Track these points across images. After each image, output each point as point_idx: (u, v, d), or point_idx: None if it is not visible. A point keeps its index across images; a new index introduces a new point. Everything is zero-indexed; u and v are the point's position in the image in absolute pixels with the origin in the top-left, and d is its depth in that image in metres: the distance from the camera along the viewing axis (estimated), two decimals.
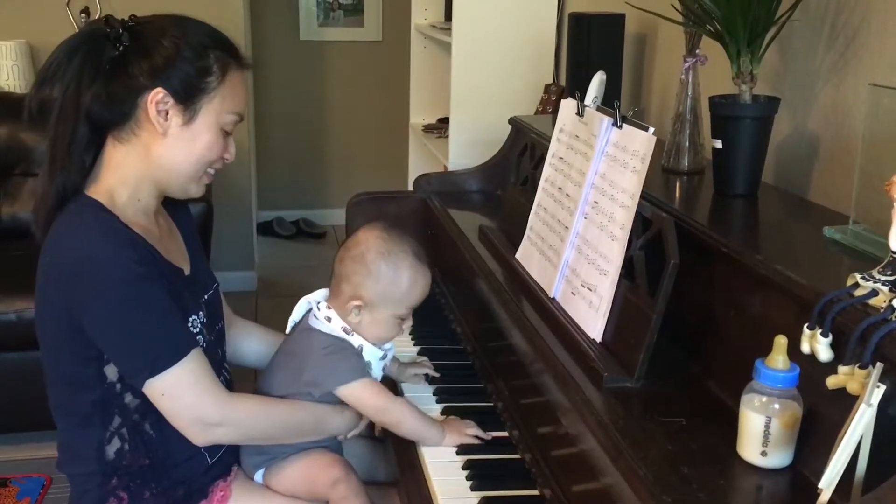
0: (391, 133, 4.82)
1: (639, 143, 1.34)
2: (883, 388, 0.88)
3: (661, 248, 1.25)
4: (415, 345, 1.87)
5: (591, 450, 1.16)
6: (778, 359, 1.01)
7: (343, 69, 5.04)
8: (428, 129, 3.40)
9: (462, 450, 1.44)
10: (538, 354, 1.39)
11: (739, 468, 1.04)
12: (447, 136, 3.00)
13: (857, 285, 1.02)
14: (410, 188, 2.41)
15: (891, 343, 0.92)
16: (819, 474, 0.95)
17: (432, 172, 2.39)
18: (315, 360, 1.46)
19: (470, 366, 1.76)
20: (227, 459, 1.53)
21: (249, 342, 1.70)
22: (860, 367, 0.94)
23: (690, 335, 1.32)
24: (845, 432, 0.90)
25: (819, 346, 1.01)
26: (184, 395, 1.35)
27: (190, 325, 1.40)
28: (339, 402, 1.50)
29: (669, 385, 1.25)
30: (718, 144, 1.47)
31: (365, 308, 1.47)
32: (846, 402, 0.96)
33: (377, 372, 1.53)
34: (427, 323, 1.95)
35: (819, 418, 1.03)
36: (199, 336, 1.41)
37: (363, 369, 1.47)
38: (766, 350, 1.03)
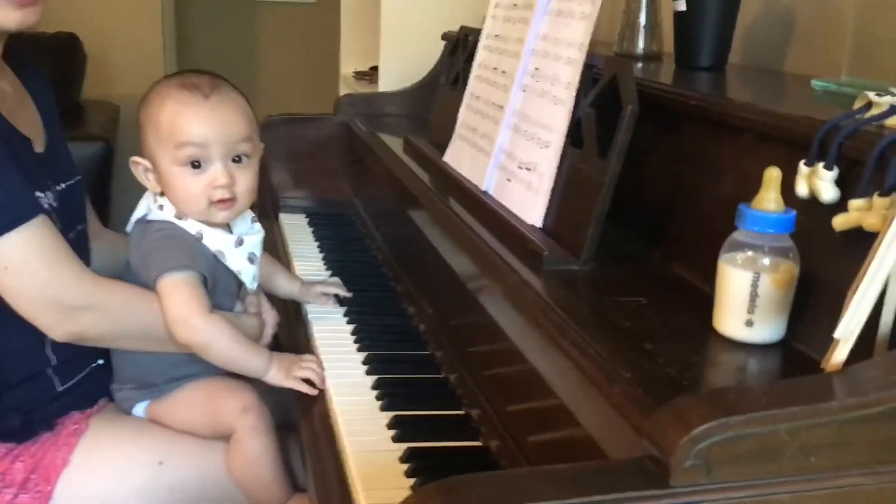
0: (324, 96, 4.53)
1: None
2: None
3: (614, 103, 1.01)
4: (326, 269, 1.61)
5: (527, 339, 0.91)
6: (769, 197, 0.77)
7: (274, 32, 4.74)
8: (359, 75, 3.14)
9: (378, 386, 1.15)
10: (464, 245, 1.14)
11: (718, 344, 0.80)
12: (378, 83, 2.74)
13: (868, 106, 0.79)
14: None
15: None
16: (821, 349, 0.72)
17: (356, 93, 2.13)
18: (147, 246, 1.18)
19: (390, 289, 1.50)
20: (89, 390, 1.25)
21: (117, 255, 1.40)
22: (880, 195, 0.71)
23: (650, 221, 1.08)
24: (865, 273, 0.66)
25: (822, 182, 0.78)
26: (35, 268, 1.07)
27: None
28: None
29: (625, 269, 1.01)
30: (682, 6, 1.24)
31: (152, 169, 1.19)
32: (854, 255, 0.73)
33: (240, 265, 1.22)
34: (342, 250, 1.70)
35: (817, 282, 0.80)
36: None
37: (192, 263, 1.16)
38: None
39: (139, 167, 1.21)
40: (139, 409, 1.24)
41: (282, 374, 1.15)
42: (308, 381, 1.14)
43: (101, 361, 1.27)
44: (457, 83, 1.59)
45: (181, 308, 1.14)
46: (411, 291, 1.44)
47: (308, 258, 1.66)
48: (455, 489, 0.56)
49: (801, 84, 1.10)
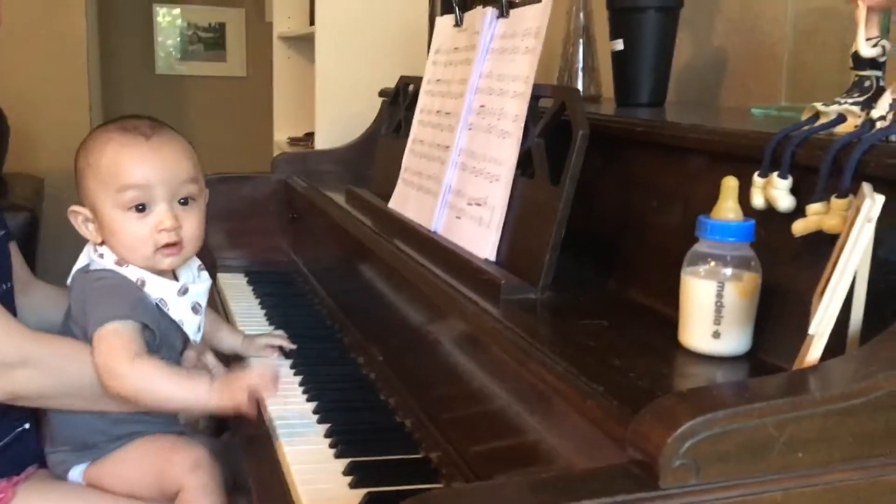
0: (259, 165, 4.50)
1: (530, 20, 1.11)
2: (882, 197, 0.65)
3: (563, 132, 1.01)
4: (270, 325, 1.55)
5: (489, 368, 0.88)
6: (728, 206, 0.77)
7: (204, 107, 4.71)
8: (294, 141, 3.12)
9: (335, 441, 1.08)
10: (418, 284, 1.11)
11: (686, 357, 0.79)
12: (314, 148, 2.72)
13: (816, 117, 0.81)
14: None
15: (877, 158, 0.70)
16: (789, 359, 0.71)
17: (293, 151, 2.11)
18: (86, 295, 1.12)
19: (337, 340, 1.46)
20: (15, 455, 1.17)
21: (54, 309, 1.33)
22: (838, 198, 0.72)
23: (604, 250, 1.07)
24: (831, 272, 0.66)
25: (777, 191, 0.78)
26: None
27: None
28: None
29: (583, 296, 0.99)
30: (619, 46, 1.27)
31: (92, 218, 1.14)
32: (814, 262, 0.74)
33: (183, 315, 1.16)
34: (285, 306, 1.65)
35: (780, 292, 0.79)
36: None
37: (131, 312, 1.10)
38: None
39: (78, 217, 1.16)
40: (75, 472, 1.15)
41: (226, 394, 1.05)
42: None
43: (27, 425, 1.19)
44: (399, 132, 1.58)
45: (105, 356, 1.07)
46: (359, 341, 1.40)
47: (250, 315, 1.61)
48: (437, 501, 0.52)
49: (741, 113, 1.12)
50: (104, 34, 4.28)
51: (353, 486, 0.96)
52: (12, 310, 1.23)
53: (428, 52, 2.54)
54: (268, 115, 3.48)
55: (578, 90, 1.02)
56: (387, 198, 1.46)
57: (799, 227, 0.74)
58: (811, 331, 0.64)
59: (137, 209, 1.11)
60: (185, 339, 1.20)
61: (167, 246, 1.12)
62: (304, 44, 3.03)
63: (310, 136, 3.13)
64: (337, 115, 2.38)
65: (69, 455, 1.17)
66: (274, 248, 1.97)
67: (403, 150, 1.45)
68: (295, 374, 1.29)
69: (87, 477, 1.16)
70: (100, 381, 1.07)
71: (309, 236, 1.86)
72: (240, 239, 1.97)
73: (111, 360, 1.06)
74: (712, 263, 0.78)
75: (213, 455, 1.14)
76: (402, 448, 1.06)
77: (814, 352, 0.64)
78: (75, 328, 1.14)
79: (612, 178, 1.08)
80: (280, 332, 1.42)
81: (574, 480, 0.55)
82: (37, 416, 1.19)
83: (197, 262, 1.22)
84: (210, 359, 1.24)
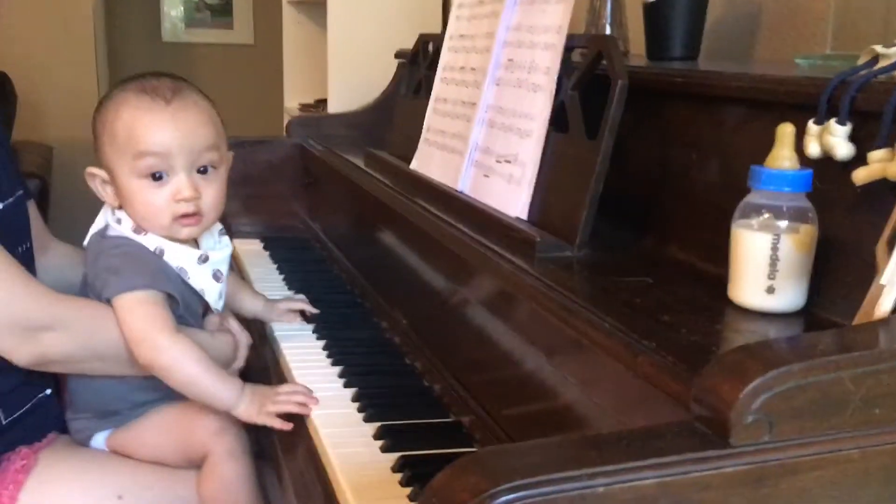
0: (270, 132, 4.46)
1: None
2: None
3: (599, 84, 0.97)
4: (289, 290, 1.52)
5: (528, 327, 0.85)
6: (783, 155, 0.73)
7: (212, 75, 4.64)
8: (305, 108, 3.07)
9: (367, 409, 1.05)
10: (448, 244, 1.07)
11: (738, 314, 0.75)
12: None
13: (874, 60, 0.76)
14: None
15: None
16: (847, 314, 0.68)
17: (308, 115, 2.07)
18: (103, 263, 1.08)
19: (359, 305, 1.43)
20: (37, 422, 1.14)
21: (72, 269, 1.30)
22: None
23: (640, 207, 1.04)
24: None
25: (835, 139, 0.74)
26: None
27: None
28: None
29: (621, 254, 0.96)
30: None
31: (111, 180, 1.10)
32: (873, 213, 0.70)
33: (204, 283, 1.12)
34: (303, 271, 1.62)
35: (836, 245, 0.76)
36: None
37: (153, 282, 1.06)
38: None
39: (96, 179, 1.12)
40: (98, 439, 1.13)
41: (254, 408, 1.04)
42: (286, 416, 1.03)
43: (49, 391, 1.17)
44: (419, 92, 1.54)
45: (143, 327, 1.04)
46: (382, 306, 1.37)
47: (268, 280, 1.58)
48: (495, 459, 0.49)
49: (783, 64, 1.08)
50: (110, 2, 4.22)
51: (384, 449, 0.93)
52: (32, 270, 1.20)
53: (443, 11, 2.49)
54: (277, 84, 3.42)
55: (615, 38, 0.97)
56: (407, 160, 1.42)
57: (861, 176, 0.71)
58: (882, 281, 0.60)
59: (154, 177, 1.07)
60: (206, 305, 1.17)
61: (185, 216, 1.08)
62: (314, 8, 2.97)
63: (321, 102, 3.08)
64: (350, 79, 2.33)
65: (91, 422, 1.14)
66: (290, 213, 1.93)
67: (424, 111, 1.41)
68: (318, 339, 1.26)
69: (111, 444, 1.13)
70: (130, 348, 1.04)
71: (326, 201, 1.83)
72: (255, 204, 1.93)
73: (148, 330, 1.03)
74: (767, 215, 0.74)
75: (238, 421, 1.12)
76: (432, 412, 1.03)
77: (885, 303, 0.60)
78: (91, 293, 1.11)
79: (649, 132, 1.04)
80: (301, 296, 1.38)
81: (637, 438, 0.52)
82: (58, 381, 1.17)
83: (218, 226, 1.18)
84: (233, 324, 1.21)
